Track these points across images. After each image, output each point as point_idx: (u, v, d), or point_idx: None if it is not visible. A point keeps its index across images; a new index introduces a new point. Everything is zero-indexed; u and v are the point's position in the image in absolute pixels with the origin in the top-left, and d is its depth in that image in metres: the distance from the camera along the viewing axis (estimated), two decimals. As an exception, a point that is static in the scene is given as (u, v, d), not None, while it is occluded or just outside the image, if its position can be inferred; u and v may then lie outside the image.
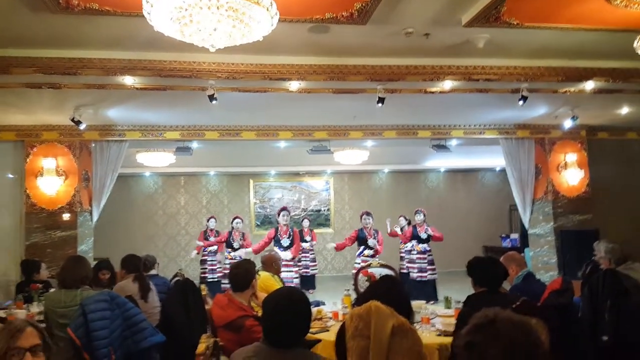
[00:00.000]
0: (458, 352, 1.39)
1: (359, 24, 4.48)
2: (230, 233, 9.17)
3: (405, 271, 9.15)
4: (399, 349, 2.66)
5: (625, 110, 7.67)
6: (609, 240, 4.85)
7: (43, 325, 3.59)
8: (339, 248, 8.76)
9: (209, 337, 2.71)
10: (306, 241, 10.12)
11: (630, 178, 8.90)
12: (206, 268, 9.57)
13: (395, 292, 2.97)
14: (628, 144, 9.12)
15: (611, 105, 7.42)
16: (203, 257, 9.63)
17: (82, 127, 6.97)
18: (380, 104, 6.01)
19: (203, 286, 5.14)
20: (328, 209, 13.70)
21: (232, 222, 9.30)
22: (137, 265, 4.94)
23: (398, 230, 9.44)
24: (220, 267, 9.56)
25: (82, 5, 4.01)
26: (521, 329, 1.36)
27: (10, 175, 7.75)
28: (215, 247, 9.64)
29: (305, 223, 10.67)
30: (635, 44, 4.18)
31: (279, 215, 8.42)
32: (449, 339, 3.44)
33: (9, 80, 5.38)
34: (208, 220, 9.92)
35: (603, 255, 4.61)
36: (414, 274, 8.99)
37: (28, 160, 7.62)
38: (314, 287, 10.11)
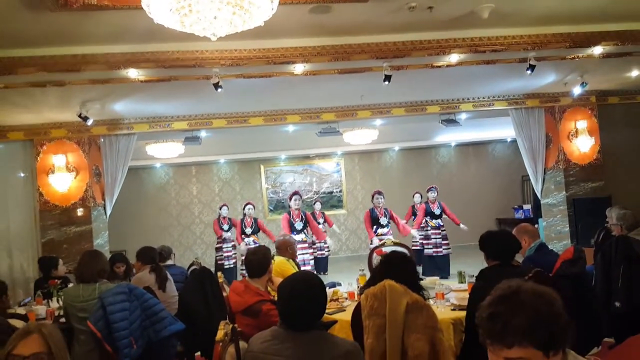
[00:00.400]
0: (480, 324, 1.40)
1: (360, 2, 4.42)
2: (242, 220, 9.22)
3: (419, 248, 9.17)
4: (413, 325, 2.69)
5: (635, 73, 7.54)
6: (620, 206, 4.81)
7: (62, 320, 3.67)
8: (371, 236, 8.33)
9: (227, 324, 2.74)
10: (319, 223, 10.15)
11: (641, 142, 8.79)
12: (222, 255, 9.64)
13: (403, 268, 3.00)
14: (639, 107, 8.97)
15: (621, 69, 7.30)
16: (218, 245, 9.70)
17: (90, 122, 7.00)
18: (386, 82, 5.96)
19: (220, 273, 5.19)
20: (340, 191, 13.72)
21: (243, 209, 9.35)
22: (152, 257, 4.99)
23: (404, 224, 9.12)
24: (235, 254, 9.64)
25: (80, 2, 4.01)
26: (544, 299, 1.38)
27: (22, 174, 7.82)
28: (230, 235, 9.67)
29: (317, 206, 10.70)
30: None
31: (290, 199, 8.44)
32: (463, 313, 3.46)
33: (14, 80, 5.41)
34: (220, 208, 9.95)
35: (615, 222, 4.59)
36: (429, 250, 9.07)
37: (38, 158, 7.69)
38: (325, 270, 10.17)
